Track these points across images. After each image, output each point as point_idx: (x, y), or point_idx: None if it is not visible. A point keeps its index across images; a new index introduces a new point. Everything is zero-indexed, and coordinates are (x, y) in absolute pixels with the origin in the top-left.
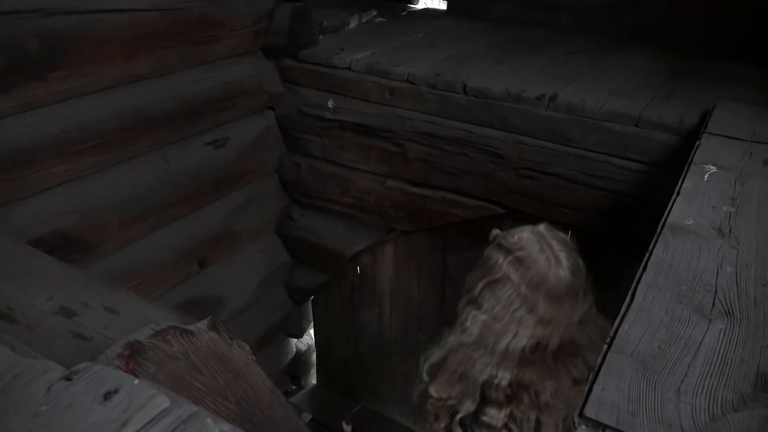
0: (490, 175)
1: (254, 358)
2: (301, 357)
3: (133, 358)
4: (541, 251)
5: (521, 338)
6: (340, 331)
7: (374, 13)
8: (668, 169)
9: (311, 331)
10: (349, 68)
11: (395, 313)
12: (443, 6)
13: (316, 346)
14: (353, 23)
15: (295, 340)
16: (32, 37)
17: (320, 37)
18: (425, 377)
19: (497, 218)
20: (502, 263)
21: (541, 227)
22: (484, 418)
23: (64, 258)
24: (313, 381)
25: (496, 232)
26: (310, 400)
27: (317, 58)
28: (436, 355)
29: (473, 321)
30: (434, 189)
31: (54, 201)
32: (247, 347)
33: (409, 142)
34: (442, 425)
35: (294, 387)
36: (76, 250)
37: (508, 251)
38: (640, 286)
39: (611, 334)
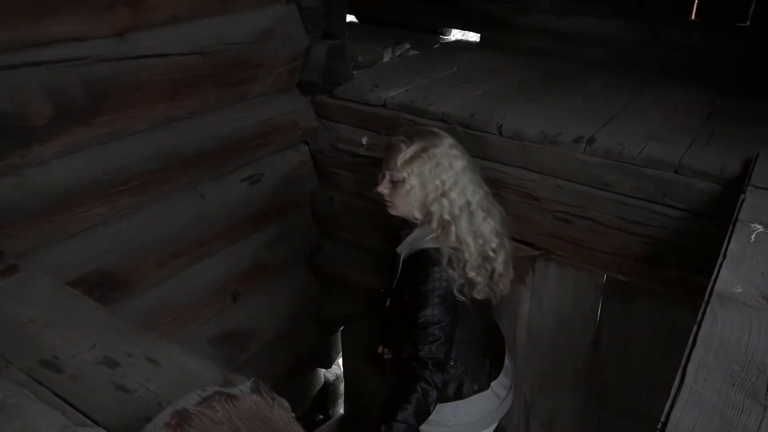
0: (525, 216)
1: (293, 415)
2: (329, 387)
3: (180, 427)
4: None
5: None
6: (368, 362)
7: (407, 46)
8: (709, 218)
9: (340, 362)
10: (383, 105)
11: None
12: (474, 37)
13: (344, 377)
14: (387, 57)
15: (323, 370)
16: (78, 84)
17: (354, 72)
18: None
19: (530, 259)
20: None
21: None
22: None
23: (102, 296)
24: (341, 411)
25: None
26: (337, 430)
27: (352, 94)
28: None
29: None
30: None
31: (94, 241)
32: (287, 404)
33: None
34: None
35: (321, 417)
36: (114, 288)
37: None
38: (690, 365)
39: (662, 419)
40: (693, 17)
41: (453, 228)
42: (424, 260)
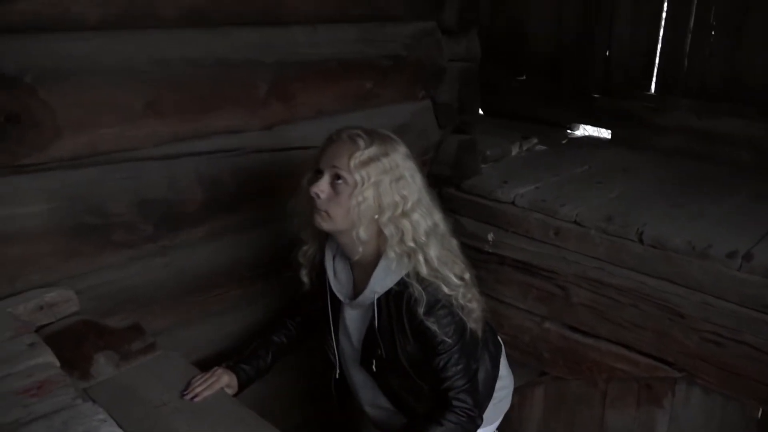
0: (666, 333)
1: None
2: None
3: None
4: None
5: None
6: None
7: (535, 140)
8: None
9: None
10: (512, 203)
11: None
12: (602, 132)
13: None
14: (514, 151)
15: None
16: (229, 172)
17: (483, 166)
18: None
19: (670, 380)
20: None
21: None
22: None
23: None
24: None
25: None
26: None
27: (480, 189)
28: None
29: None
30: (598, 339)
31: (225, 323)
32: None
33: (573, 285)
34: None
35: None
36: None
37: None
38: None
39: None
40: None
41: (421, 257)
42: (415, 300)
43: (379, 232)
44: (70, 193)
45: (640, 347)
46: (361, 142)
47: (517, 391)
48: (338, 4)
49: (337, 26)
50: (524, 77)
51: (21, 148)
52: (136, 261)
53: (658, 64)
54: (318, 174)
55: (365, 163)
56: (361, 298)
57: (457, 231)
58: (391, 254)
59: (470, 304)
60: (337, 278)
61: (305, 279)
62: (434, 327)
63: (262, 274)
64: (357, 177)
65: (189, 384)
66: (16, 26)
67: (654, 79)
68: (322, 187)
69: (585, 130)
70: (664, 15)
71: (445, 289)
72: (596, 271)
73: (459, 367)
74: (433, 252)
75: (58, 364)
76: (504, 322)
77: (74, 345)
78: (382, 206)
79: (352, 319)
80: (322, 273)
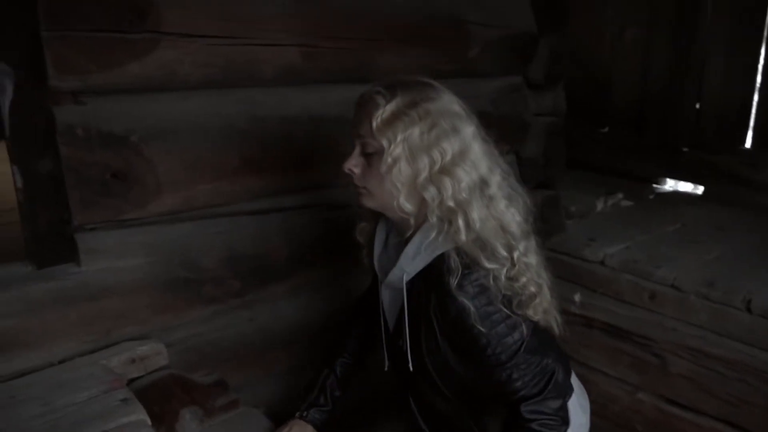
0: None
1: None
2: None
3: None
4: None
5: None
6: None
7: (620, 196)
8: None
9: None
10: (601, 263)
11: None
12: (690, 187)
13: None
14: (599, 206)
15: None
16: (311, 228)
17: (567, 223)
18: None
19: None
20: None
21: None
22: None
23: None
24: None
25: None
26: None
27: (565, 247)
28: None
29: None
30: (699, 414)
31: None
32: None
33: (670, 354)
34: None
35: None
36: None
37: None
38: None
39: None
40: None
41: (461, 221)
42: (449, 269)
43: (422, 198)
44: (167, 247)
45: (749, 426)
46: (381, 99)
47: None
48: (429, 61)
49: None
50: (606, 129)
51: (125, 204)
52: (222, 315)
53: (755, 117)
54: (353, 147)
55: (388, 121)
56: (390, 276)
57: None
58: (433, 219)
59: (526, 287)
60: (388, 255)
61: (365, 260)
62: (469, 306)
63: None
64: (383, 141)
65: None
66: (126, 88)
67: (750, 132)
68: (353, 163)
69: (672, 185)
70: (760, 66)
71: (486, 263)
72: (697, 340)
73: (519, 372)
74: (476, 213)
75: (149, 422)
76: (591, 388)
77: (162, 399)
78: (417, 166)
79: (388, 302)
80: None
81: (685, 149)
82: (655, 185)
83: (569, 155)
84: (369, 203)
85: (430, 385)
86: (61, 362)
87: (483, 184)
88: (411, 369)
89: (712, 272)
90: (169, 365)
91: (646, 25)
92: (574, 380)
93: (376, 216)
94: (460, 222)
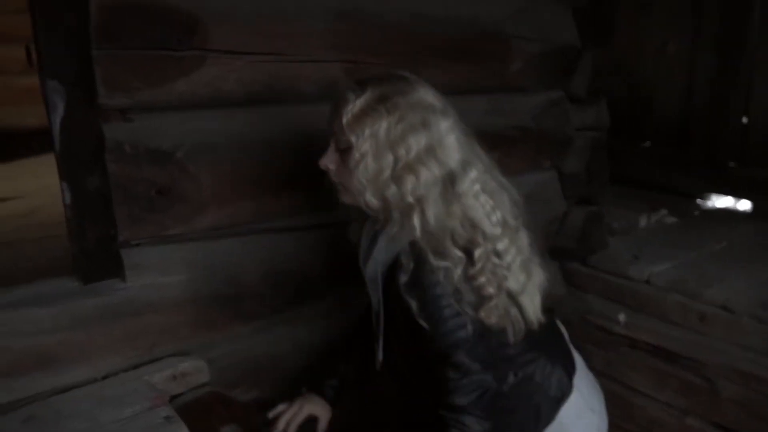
0: None
1: None
2: None
3: None
4: None
5: None
6: None
7: (664, 212)
8: None
9: None
10: (647, 282)
11: None
12: (737, 203)
13: None
14: (642, 223)
15: None
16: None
17: (610, 239)
18: None
19: None
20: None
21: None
22: None
23: None
24: None
25: None
26: None
27: (609, 265)
28: None
29: None
30: None
31: None
32: None
33: (721, 378)
34: None
35: None
36: None
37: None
38: None
39: None
40: None
41: (416, 218)
42: (400, 265)
43: (384, 196)
44: (210, 263)
45: None
46: (351, 95)
47: None
48: (470, 75)
49: (468, 98)
50: (649, 144)
51: (169, 220)
52: (262, 332)
53: None
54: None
55: (357, 117)
56: (366, 270)
57: (583, 309)
58: (396, 215)
59: (483, 287)
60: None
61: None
62: (412, 302)
63: None
64: (351, 137)
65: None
66: (173, 105)
67: None
68: (327, 159)
69: (717, 201)
70: None
71: (433, 260)
72: (750, 364)
73: (456, 374)
74: (432, 210)
75: None
76: (635, 412)
77: (203, 417)
78: (382, 163)
79: (374, 300)
80: None
81: (731, 164)
82: (699, 201)
83: (610, 170)
84: (346, 199)
85: (400, 383)
86: (104, 378)
87: (450, 179)
88: (377, 366)
89: (765, 294)
90: (209, 382)
91: (690, 38)
92: (581, 380)
93: (364, 214)
94: (415, 218)
